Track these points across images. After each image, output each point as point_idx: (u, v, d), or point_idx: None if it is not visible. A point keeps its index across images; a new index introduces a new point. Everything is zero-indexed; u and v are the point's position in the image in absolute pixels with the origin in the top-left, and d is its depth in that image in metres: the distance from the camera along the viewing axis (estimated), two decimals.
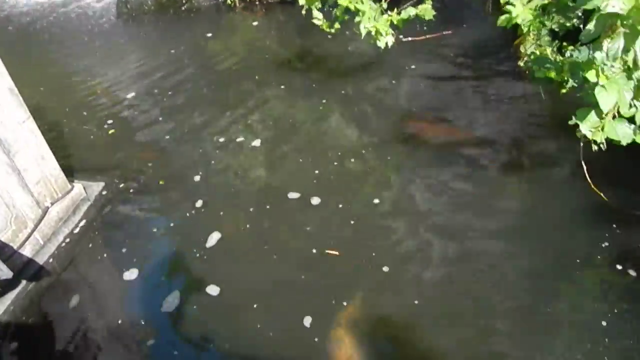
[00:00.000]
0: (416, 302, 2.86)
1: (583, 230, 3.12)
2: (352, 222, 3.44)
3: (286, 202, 3.70)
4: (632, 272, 2.81)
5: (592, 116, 2.58)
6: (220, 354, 2.84)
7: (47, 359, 3.02)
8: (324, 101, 4.75)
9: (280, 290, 3.11)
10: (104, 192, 4.11)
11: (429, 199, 3.56)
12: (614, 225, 3.08)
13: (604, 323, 2.60)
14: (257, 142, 4.41)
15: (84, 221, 3.87)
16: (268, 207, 3.70)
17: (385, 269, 3.07)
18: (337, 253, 3.20)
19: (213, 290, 3.16)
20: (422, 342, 2.70)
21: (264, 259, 3.31)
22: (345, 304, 2.89)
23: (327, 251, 3.22)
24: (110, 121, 5.08)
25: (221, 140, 4.54)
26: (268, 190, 3.88)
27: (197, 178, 4.13)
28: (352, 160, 3.98)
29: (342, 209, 3.57)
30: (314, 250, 3.28)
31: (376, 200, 3.55)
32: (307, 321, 2.86)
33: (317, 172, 3.90)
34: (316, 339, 2.77)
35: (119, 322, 3.12)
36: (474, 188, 3.58)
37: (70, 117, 5.33)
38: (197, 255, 3.42)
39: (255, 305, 3.02)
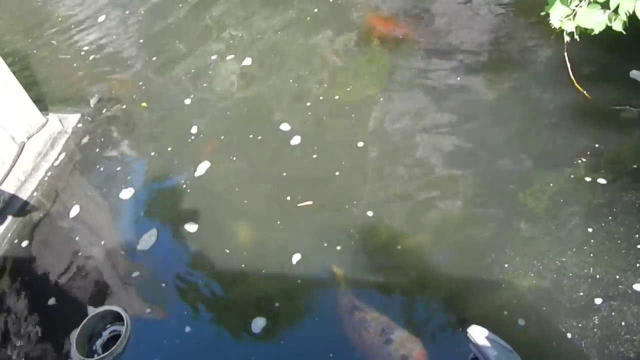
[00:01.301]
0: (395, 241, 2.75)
1: (561, 132, 2.95)
2: (339, 166, 3.16)
3: (278, 134, 3.44)
4: (602, 180, 2.67)
5: (560, 5, 2.42)
6: (206, 286, 2.82)
7: (42, 287, 3.06)
8: (315, 10, 4.34)
9: (262, 232, 2.97)
10: (80, 124, 3.93)
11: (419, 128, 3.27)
12: (594, 124, 2.92)
13: (589, 230, 2.54)
14: (248, 61, 4.09)
15: (63, 154, 3.74)
16: (260, 137, 3.46)
17: (370, 213, 2.90)
18: (310, 203, 3.02)
19: (191, 227, 3.07)
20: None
21: (249, 196, 3.15)
22: (339, 247, 2.76)
23: (299, 205, 3.01)
24: (86, 47, 4.76)
25: (212, 58, 4.21)
26: (260, 118, 3.63)
27: (187, 101, 3.89)
28: (340, 92, 3.61)
29: (328, 148, 3.30)
30: (292, 198, 3.07)
31: (360, 144, 3.25)
32: (295, 259, 2.77)
33: (308, 104, 3.60)
34: (299, 281, 2.70)
35: (106, 250, 3.12)
36: (456, 99, 3.32)
37: (39, 47, 5.01)
38: (184, 186, 3.29)
39: (237, 242, 2.95)
